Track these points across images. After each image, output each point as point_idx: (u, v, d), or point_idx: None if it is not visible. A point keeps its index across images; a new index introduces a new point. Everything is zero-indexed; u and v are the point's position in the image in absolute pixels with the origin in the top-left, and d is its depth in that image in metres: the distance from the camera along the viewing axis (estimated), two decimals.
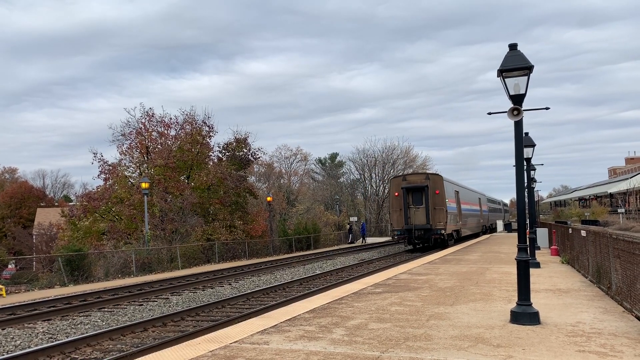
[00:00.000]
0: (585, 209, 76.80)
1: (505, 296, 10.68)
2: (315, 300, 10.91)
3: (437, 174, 36.48)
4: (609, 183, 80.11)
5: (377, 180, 73.42)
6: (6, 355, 9.69)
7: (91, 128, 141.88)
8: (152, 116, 36.97)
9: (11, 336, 11.81)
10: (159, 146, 36.74)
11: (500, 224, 61.17)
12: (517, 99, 8.14)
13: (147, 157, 36.69)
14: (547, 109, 12.40)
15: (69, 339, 10.93)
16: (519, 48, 8.30)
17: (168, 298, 17.16)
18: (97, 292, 18.36)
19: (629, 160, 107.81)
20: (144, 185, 30.07)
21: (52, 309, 15.19)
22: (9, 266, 38.59)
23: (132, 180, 36.49)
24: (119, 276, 25.34)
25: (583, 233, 14.42)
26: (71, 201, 64.73)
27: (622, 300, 9.30)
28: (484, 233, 52.27)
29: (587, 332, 7.41)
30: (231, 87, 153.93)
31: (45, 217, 55.06)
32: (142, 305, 15.87)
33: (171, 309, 14.88)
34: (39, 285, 23.12)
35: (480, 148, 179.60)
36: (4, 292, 19.50)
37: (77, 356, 10.02)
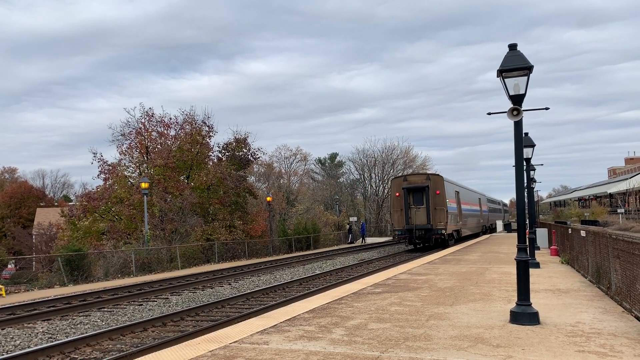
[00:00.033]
0: (584, 209, 76.82)
1: (505, 296, 10.68)
2: (315, 300, 10.91)
3: (438, 175, 36.60)
4: (609, 183, 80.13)
5: (377, 181, 73.47)
6: (6, 355, 9.69)
7: (91, 128, 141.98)
8: (152, 116, 37.01)
9: (11, 336, 11.81)
10: (159, 146, 36.73)
11: (499, 224, 61.20)
12: (517, 99, 8.14)
13: (147, 157, 36.68)
14: (546, 109, 12.41)
15: (69, 338, 10.93)
16: (518, 48, 8.30)
17: (168, 298, 17.16)
18: (96, 292, 18.35)
19: (628, 161, 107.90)
20: (143, 185, 30.08)
21: (51, 308, 15.19)
22: (9, 266, 38.56)
23: (131, 180, 36.48)
24: (119, 276, 25.33)
25: (583, 233, 14.42)
26: (71, 201, 64.70)
27: (622, 300, 9.30)
28: (484, 233, 52.32)
29: (586, 332, 7.41)
30: (231, 87, 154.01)
31: (45, 217, 55.05)
32: (141, 305, 15.87)
33: (171, 309, 14.87)
34: (39, 285, 23.12)
35: (480, 148, 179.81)
36: (3, 292, 19.50)
37: (76, 356, 10.02)
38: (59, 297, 17.22)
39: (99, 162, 35.80)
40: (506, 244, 29.14)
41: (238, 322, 10.47)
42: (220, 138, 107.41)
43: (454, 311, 9.17)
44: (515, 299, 8.28)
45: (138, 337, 11.49)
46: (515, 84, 8.10)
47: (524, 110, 8.31)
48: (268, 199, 44.68)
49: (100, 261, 26.99)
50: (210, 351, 6.68)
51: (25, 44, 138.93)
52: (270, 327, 8.06)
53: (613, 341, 6.85)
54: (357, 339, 7.18)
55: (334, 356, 6.28)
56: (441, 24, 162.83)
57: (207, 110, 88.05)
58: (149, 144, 36.95)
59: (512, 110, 8.12)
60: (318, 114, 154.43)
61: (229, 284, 20.40)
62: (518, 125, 8.31)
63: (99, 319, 13.78)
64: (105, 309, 15.25)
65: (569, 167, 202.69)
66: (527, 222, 18.56)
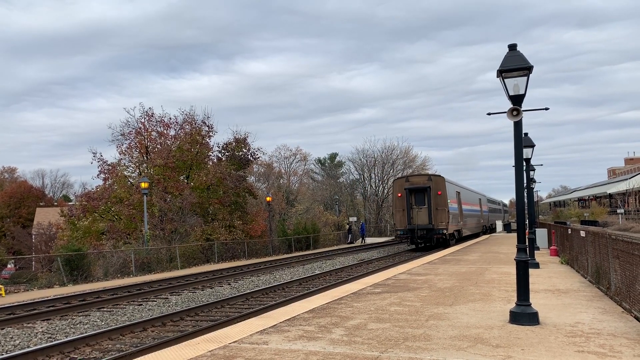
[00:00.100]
0: (584, 209, 76.88)
1: (505, 296, 10.68)
2: (315, 300, 10.91)
3: (439, 175, 36.88)
4: (609, 183, 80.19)
5: (377, 181, 73.47)
6: (5, 355, 9.69)
7: (91, 128, 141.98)
8: (152, 116, 36.98)
9: (10, 336, 11.81)
10: (159, 146, 36.72)
11: (499, 224, 61.23)
12: (517, 100, 8.14)
13: (147, 157, 36.67)
14: (546, 109, 12.42)
15: (68, 338, 10.92)
16: (518, 48, 8.30)
17: (167, 298, 17.16)
18: (96, 292, 18.35)
19: (628, 161, 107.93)
20: (143, 185, 30.07)
21: (51, 308, 15.19)
22: (8, 266, 38.57)
23: (131, 180, 36.47)
24: (118, 276, 25.33)
25: (582, 233, 14.43)
26: (70, 201, 64.68)
27: (621, 300, 9.30)
28: (484, 233, 52.41)
29: (586, 332, 7.41)
30: (231, 87, 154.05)
31: (45, 216, 55.01)
32: (141, 305, 15.87)
33: (170, 309, 14.87)
34: (38, 284, 23.11)
35: (480, 148, 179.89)
36: (3, 292, 19.49)
37: (76, 356, 10.02)
38: (59, 297, 17.21)
39: (98, 162, 35.82)
40: (506, 244, 29.15)
41: (238, 322, 10.47)
42: (220, 138, 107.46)
43: (454, 311, 9.17)
44: (515, 299, 8.28)
45: (137, 337, 11.49)
46: (515, 84, 8.10)
47: (523, 111, 8.31)
48: (268, 199, 44.68)
49: (100, 261, 26.98)
50: (209, 351, 6.68)
51: (25, 44, 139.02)
52: (269, 327, 8.06)
53: (612, 341, 6.85)
54: (356, 339, 7.18)
55: (334, 356, 6.28)
56: (441, 24, 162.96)
57: (207, 110, 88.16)
58: (148, 143, 36.94)
59: (511, 110, 8.12)
60: (318, 114, 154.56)
61: (229, 284, 20.40)
62: (518, 126, 8.31)
63: (98, 318, 13.77)
64: (105, 309, 15.25)
65: (568, 168, 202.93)
66: (527, 222, 18.59)
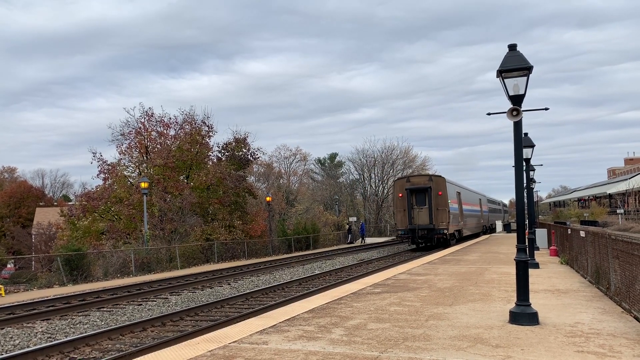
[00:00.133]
0: (584, 209, 76.90)
1: (504, 296, 10.68)
2: (315, 300, 10.91)
3: (440, 176, 37.07)
4: (608, 184, 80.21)
5: (377, 181, 73.45)
6: (5, 355, 9.69)
7: (90, 128, 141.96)
8: (152, 116, 36.99)
9: (10, 336, 11.80)
10: (158, 146, 36.72)
11: (499, 225, 61.25)
12: (517, 100, 8.14)
13: (147, 157, 36.67)
14: (546, 109, 12.41)
15: (68, 338, 10.92)
16: (518, 49, 8.30)
17: (167, 298, 17.15)
18: (96, 292, 18.35)
19: (628, 161, 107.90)
20: (143, 184, 30.07)
21: (51, 308, 15.18)
22: (8, 266, 38.57)
23: (131, 180, 36.46)
24: (118, 276, 25.33)
25: (582, 234, 14.43)
26: (70, 201, 64.67)
27: (621, 300, 9.30)
28: (484, 233, 52.48)
29: (585, 332, 7.42)
30: (230, 87, 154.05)
31: (44, 216, 55.00)
32: (141, 305, 15.86)
33: (170, 309, 14.87)
34: (38, 284, 23.11)
35: (480, 148, 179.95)
36: (2, 292, 19.49)
37: (76, 356, 10.02)
38: (58, 296, 17.21)
39: (98, 161, 35.82)
40: (505, 244, 29.16)
41: (237, 322, 10.47)
42: (219, 138, 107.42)
43: (453, 311, 9.17)
44: (515, 299, 8.28)
45: (137, 336, 11.49)
46: (515, 84, 8.10)
47: (523, 111, 8.31)
48: (267, 199, 44.68)
49: (100, 261, 26.98)
50: (209, 351, 6.68)
51: (24, 44, 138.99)
52: (269, 327, 8.06)
53: (612, 341, 6.86)
54: (356, 339, 7.18)
55: (333, 356, 6.28)
56: (441, 24, 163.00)
57: (207, 110, 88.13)
58: (148, 143, 36.93)
59: (511, 110, 8.12)
60: (318, 114, 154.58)
61: (229, 284, 20.40)
62: (517, 126, 8.31)
63: (98, 318, 13.77)
64: (105, 309, 15.25)
65: (568, 168, 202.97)
66: (527, 222, 18.59)
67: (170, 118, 37.70)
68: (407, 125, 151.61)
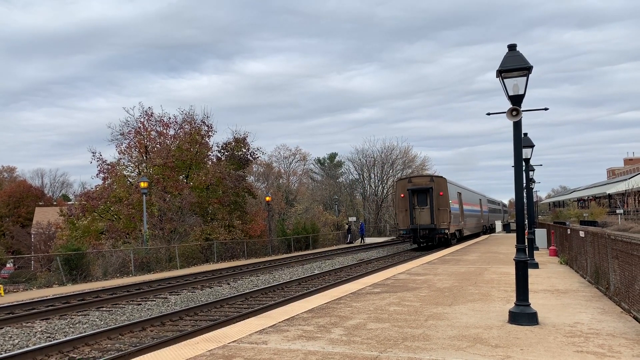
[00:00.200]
0: (584, 209, 76.95)
1: (504, 296, 10.68)
2: (314, 300, 10.91)
3: (441, 177, 37.33)
4: (608, 184, 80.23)
5: (376, 181, 73.43)
6: (4, 355, 9.68)
7: (90, 127, 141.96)
8: (151, 115, 36.95)
9: (9, 335, 11.80)
10: (158, 145, 36.69)
11: (499, 225, 61.29)
12: (516, 100, 8.14)
13: (146, 157, 36.65)
14: (546, 109, 12.41)
15: (67, 338, 10.91)
16: (518, 49, 8.30)
17: (166, 297, 17.15)
18: (95, 292, 18.33)
19: (627, 161, 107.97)
20: (142, 184, 30.05)
21: (50, 308, 15.17)
22: (7, 265, 38.59)
23: (130, 180, 36.42)
24: (118, 275, 25.32)
25: (581, 234, 14.43)
26: (70, 200, 64.67)
27: (620, 300, 9.31)
28: (484, 233, 52.60)
29: (585, 332, 7.42)
30: (230, 86, 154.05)
31: (44, 216, 54.98)
32: (140, 304, 15.86)
33: (169, 309, 14.86)
34: (37, 284, 23.09)
35: (479, 148, 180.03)
36: (2, 291, 19.48)
37: (75, 355, 10.01)
38: (58, 296, 17.20)
39: (98, 161, 35.77)
40: (505, 244, 29.17)
41: (237, 321, 10.47)
42: (219, 138, 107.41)
43: (453, 311, 9.17)
44: (514, 299, 8.28)
45: (137, 336, 11.48)
46: (515, 84, 8.10)
47: (523, 111, 8.31)
48: (267, 198, 44.67)
49: (99, 260, 26.95)
50: (209, 351, 6.68)
51: (24, 43, 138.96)
52: (269, 327, 8.06)
53: (611, 341, 6.86)
54: (355, 338, 7.18)
55: (333, 356, 6.28)
56: (440, 24, 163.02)
57: (206, 109, 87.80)
58: (148, 143, 36.91)
59: (511, 110, 8.12)
60: (317, 114, 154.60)
61: (228, 284, 20.39)
62: (517, 126, 8.31)
63: (97, 318, 13.76)
64: (104, 309, 15.24)
65: (568, 168, 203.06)
66: (526, 222, 18.60)
67: (169, 118, 37.73)
68: (407, 125, 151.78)
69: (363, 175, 74.43)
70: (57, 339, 11.20)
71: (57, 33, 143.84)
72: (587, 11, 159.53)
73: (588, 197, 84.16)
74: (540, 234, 25.45)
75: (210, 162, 38.98)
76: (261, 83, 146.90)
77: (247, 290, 17.64)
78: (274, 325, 8.21)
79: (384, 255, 33.01)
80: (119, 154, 36.75)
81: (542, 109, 12.39)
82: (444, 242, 34.99)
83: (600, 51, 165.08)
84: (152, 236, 30.71)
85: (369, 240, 52.75)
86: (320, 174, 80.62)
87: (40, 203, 67.29)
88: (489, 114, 11.79)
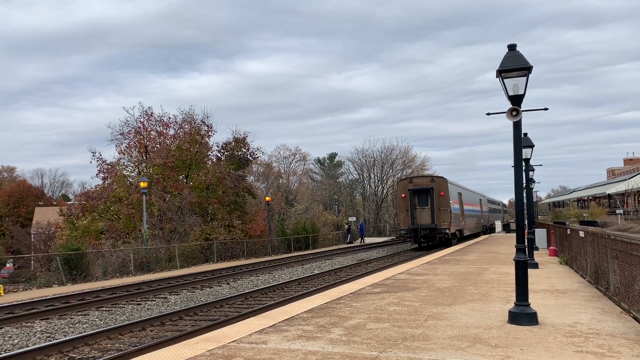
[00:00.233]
0: (583, 209, 76.98)
1: (504, 296, 10.68)
2: (314, 300, 10.91)
3: (442, 177, 37.50)
4: (608, 184, 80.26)
5: (376, 181, 73.41)
6: (4, 354, 9.68)
7: (90, 127, 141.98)
8: (151, 115, 36.94)
9: (9, 335, 11.79)
10: (158, 145, 36.68)
11: (498, 225, 61.31)
12: (516, 100, 8.14)
13: (146, 157, 36.64)
14: (545, 109, 12.41)
15: (67, 338, 10.90)
16: (517, 49, 8.30)
17: (166, 297, 17.14)
18: (95, 291, 18.33)
19: (627, 161, 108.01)
20: (142, 184, 30.05)
21: (50, 308, 15.17)
22: (7, 265, 38.60)
23: (130, 180, 36.42)
24: (117, 275, 25.31)
25: (581, 234, 14.43)
26: (69, 200, 64.65)
27: (620, 301, 9.31)
28: (484, 233, 52.66)
29: (584, 332, 7.42)
30: (230, 86, 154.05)
31: (44, 216, 54.98)
32: (140, 304, 15.86)
33: (169, 309, 14.86)
34: (37, 284, 23.08)
35: (479, 148, 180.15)
36: (2, 291, 19.47)
37: (75, 355, 10.01)
38: (58, 296, 17.19)
39: (97, 161, 35.77)
40: (505, 244, 29.17)
41: (236, 321, 10.47)
42: (219, 138, 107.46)
43: (453, 311, 9.17)
44: (514, 299, 8.28)
45: (136, 336, 11.48)
46: (515, 84, 8.10)
47: (523, 111, 8.31)
48: (267, 198, 44.67)
49: (99, 260, 26.95)
50: (208, 350, 6.68)
51: (24, 43, 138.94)
52: (268, 327, 8.06)
53: (611, 341, 6.86)
54: (355, 338, 7.18)
55: (333, 356, 6.28)
56: (440, 24, 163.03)
57: (206, 109, 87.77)
58: (148, 143, 36.89)
59: (511, 110, 8.12)
60: (317, 114, 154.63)
61: (228, 284, 20.39)
62: (517, 126, 8.31)
63: (97, 318, 13.76)
64: (104, 308, 15.23)
65: (567, 168, 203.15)
66: (526, 222, 18.59)
67: (169, 117, 37.72)
68: (407, 125, 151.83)
69: (363, 175, 74.44)
70: (56, 339, 11.20)
71: (56, 33, 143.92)
72: (587, 11, 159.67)
73: (588, 197, 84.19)
74: (540, 234, 25.46)
75: (210, 162, 38.97)
76: (261, 83, 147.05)
77: (247, 290, 17.64)
78: (273, 325, 8.21)
79: (384, 255, 33.01)
80: (119, 153, 36.79)
81: (542, 109, 12.40)
82: (445, 242, 35.20)
83: (600, 51, 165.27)
84: (151, 236, 30.71)
85: (368, 240, 52.76)
86: (320, 174, 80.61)
87: (40, 203, 67.31)
88: (488, 114, 11.79)
